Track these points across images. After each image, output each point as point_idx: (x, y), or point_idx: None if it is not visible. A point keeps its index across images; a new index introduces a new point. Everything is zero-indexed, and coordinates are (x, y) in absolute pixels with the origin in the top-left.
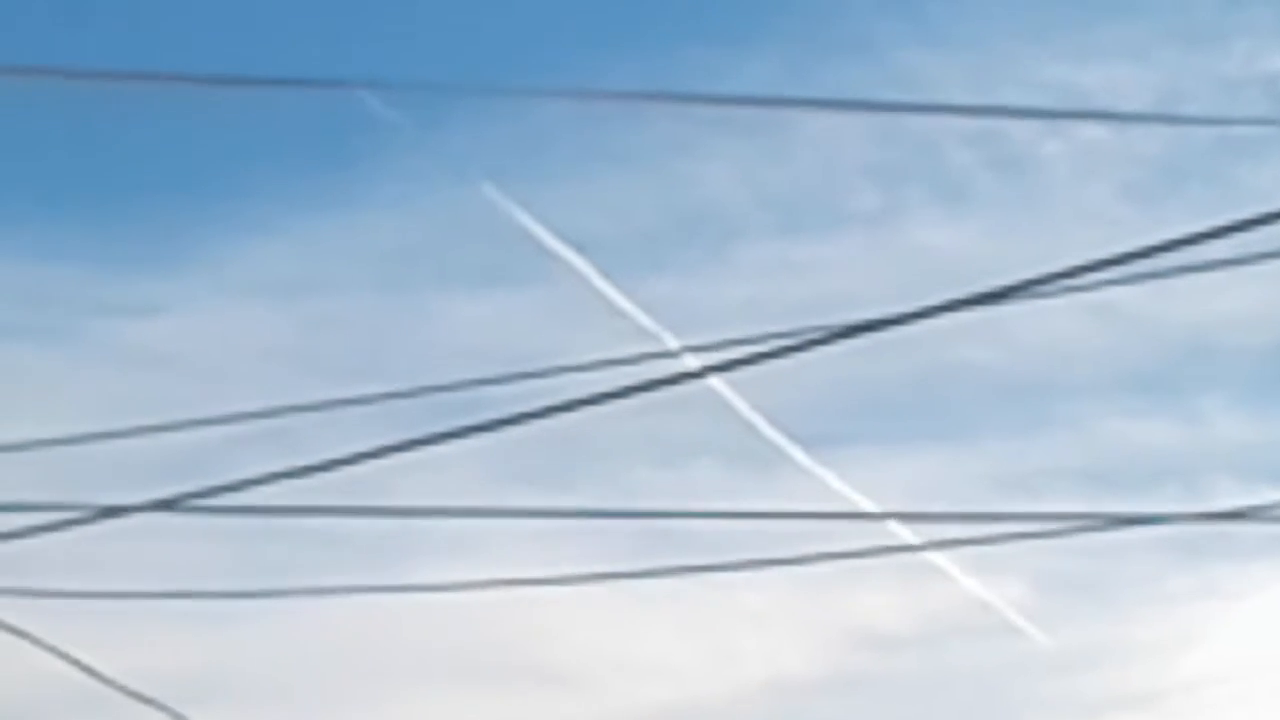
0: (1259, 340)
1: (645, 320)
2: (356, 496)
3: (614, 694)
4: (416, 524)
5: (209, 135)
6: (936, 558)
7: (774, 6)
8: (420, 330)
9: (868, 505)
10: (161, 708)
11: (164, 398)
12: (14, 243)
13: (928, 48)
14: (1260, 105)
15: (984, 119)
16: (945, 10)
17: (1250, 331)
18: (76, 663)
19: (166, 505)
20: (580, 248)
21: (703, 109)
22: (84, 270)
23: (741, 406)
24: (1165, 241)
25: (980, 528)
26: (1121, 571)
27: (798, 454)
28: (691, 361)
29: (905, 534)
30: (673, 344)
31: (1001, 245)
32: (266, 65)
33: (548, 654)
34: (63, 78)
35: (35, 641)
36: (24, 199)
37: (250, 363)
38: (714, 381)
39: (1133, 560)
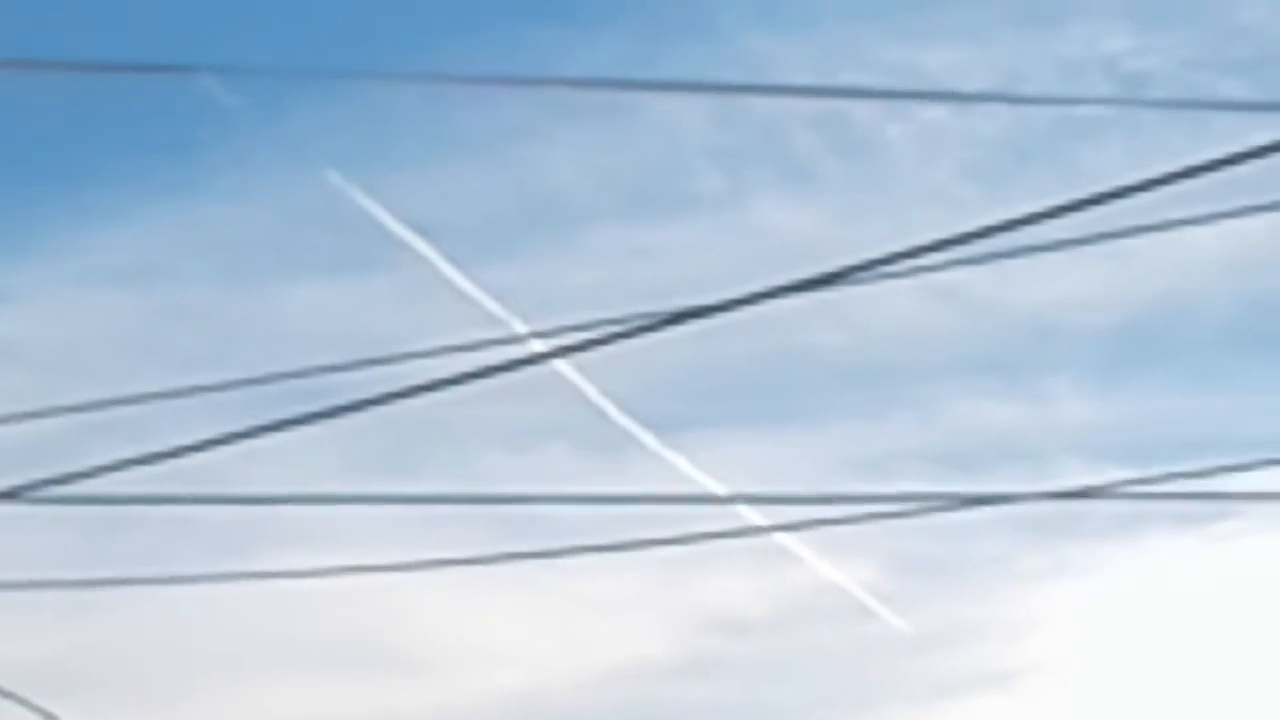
0: (1102, 320)
1: (492, 306)
2: (206, 485)
3: (465, 681)
4: (267, 512)
5: (49, 121)
6: (787, 540)
7: None
8: (266, 318)
9: (718, 488)
10: (16, 699)
11: (9, 387)
12: None
13: (770, 30)
14: (1100, 86)
15: (827, 101)
16: None
17: (1093, 311)
18: None
19: (10, 495)
20: (426, 234)
21: (547, 92)
22: None
23: (591, 391)
24: (1007, 221)
25: (830, 509)
26: (972, 552)
27: (647, 438)
28: (539, 346)
29: (755, 517)
30: (520, 329)
31: (846, 227)
32: (107, 49)
33: (399, 641)
34: None
35: None
36: None
37: (96, 351)
38: (562, 367)
39: (983, 541)
